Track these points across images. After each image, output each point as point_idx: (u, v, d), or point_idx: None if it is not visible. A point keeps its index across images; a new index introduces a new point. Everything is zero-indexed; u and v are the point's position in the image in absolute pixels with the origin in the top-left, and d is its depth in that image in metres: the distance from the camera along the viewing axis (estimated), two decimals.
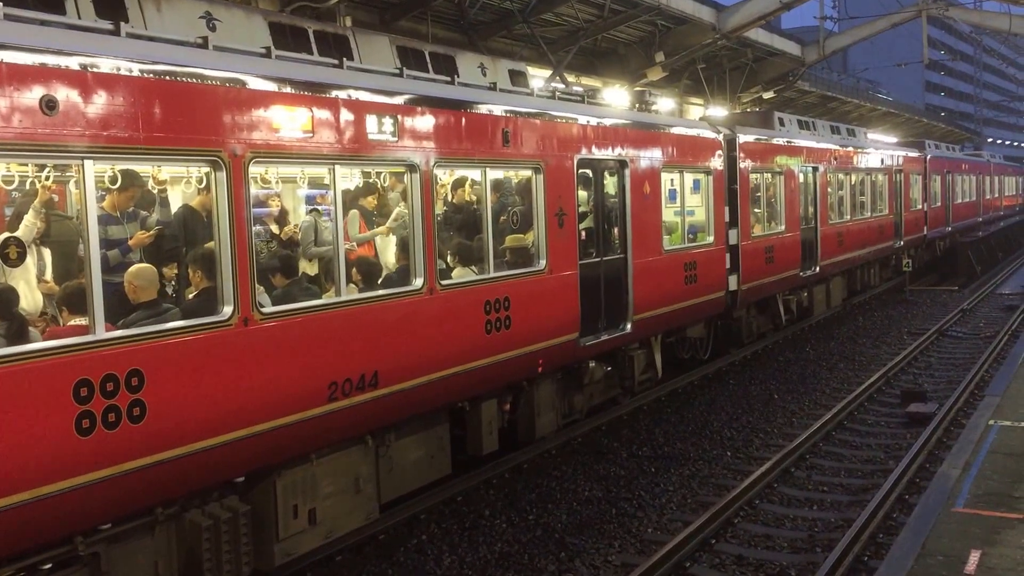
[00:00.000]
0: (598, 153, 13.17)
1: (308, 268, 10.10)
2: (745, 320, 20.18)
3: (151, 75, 7.13)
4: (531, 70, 14.83)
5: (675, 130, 15.91)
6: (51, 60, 6.48)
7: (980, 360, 18.93)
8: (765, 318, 21.51)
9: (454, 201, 11.72)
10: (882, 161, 29.19)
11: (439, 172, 10.56)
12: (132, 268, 7.69)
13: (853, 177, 26.30)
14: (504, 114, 11.17)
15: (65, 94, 6.52)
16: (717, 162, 17.15)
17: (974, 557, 7.69)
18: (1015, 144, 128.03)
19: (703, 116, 24.94)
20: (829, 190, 23.97)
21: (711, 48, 26.21)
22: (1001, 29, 31.85)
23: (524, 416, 12.44)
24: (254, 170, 8.14)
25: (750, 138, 19.10)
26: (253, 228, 8.08)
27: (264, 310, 8.05)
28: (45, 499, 6.33)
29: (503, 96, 11.66)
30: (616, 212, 13.82)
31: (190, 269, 8.16)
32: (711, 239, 16.91)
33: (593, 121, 13.12)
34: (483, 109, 10.88)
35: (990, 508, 8.82)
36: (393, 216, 10.59)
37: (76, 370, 6.50)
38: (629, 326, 13.82)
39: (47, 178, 7.46)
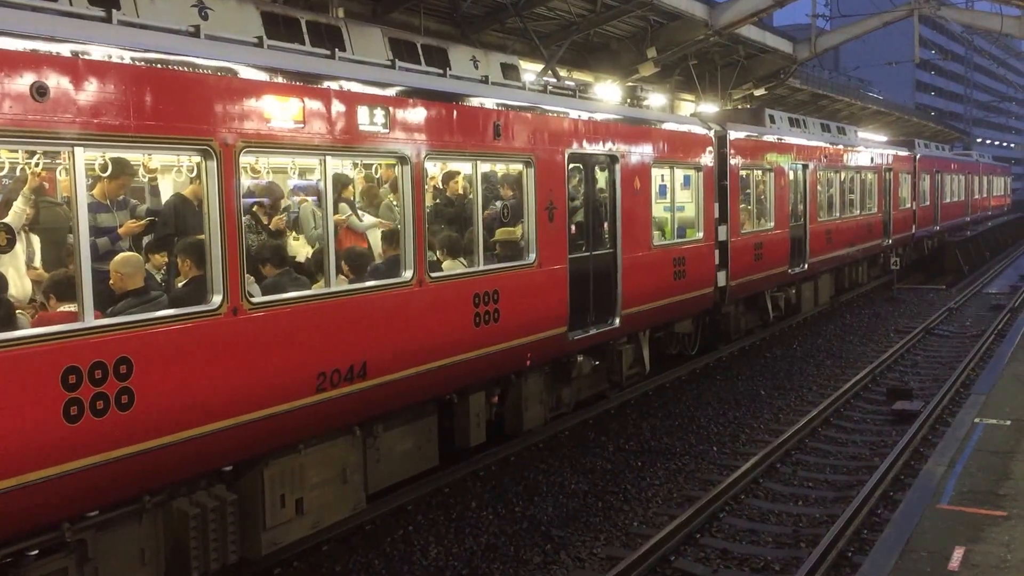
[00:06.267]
0: (589, 147, 13.19)
1: (306, 252, 10.11)
2: (733, 316, 20.23)
3: (142, 63, 7.11)
4: (523, 64, 14.83)
5: (666, 126, 15.94)
6: (42, 47, 6.46)
7: (966, 358, 19.02)
8: (753, 314, 21.56)
9: (445, 194, 11.72)
10: (872, 160, 29.27)
11: (430, 165, 10.56)
12: (117, 257, 7.67)
13: (843, 175, 26.38)
14: (496, 107, 11.17)
15: (56, 81, 6.50)
16: (707, 158, 17.18)
17: (958, 554, 7.74)
18: (1004, 145, 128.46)
19: (694, 112, 25.00)
20: (819, 188, 24.05)
21: (703, 44, 26.20)
22: (992, 29, 31.89)
23: (512, 409, 12.47)
24: (245, 160, 8.12)
25: (741, 135, 19.14)
26: (243, 218, 8.08)
27: (253, 300, 8.06)
28: (32, 485, 6.32)
29: (495, 89, 11.65)
30: (606, 207, 13.84)
31: (179, 258, 8.15)
32: (700, 235, 16.94)
33: (584, 116, 13.13)
34: (475, 102, 10.87)
35: (975, 505, 8.87)
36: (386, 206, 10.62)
37: (64, 357, 6.49)
38: (618, 321, 13.86)
39: (37, 165, 7.46)
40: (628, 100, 16.17)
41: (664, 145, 15.47)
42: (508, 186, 12.25)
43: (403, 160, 9.76)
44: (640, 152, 14.60)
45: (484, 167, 11.54)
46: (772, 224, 20.86)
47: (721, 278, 18.01)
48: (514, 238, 11.96)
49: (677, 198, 16.46)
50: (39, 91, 6.39)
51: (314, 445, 9.05)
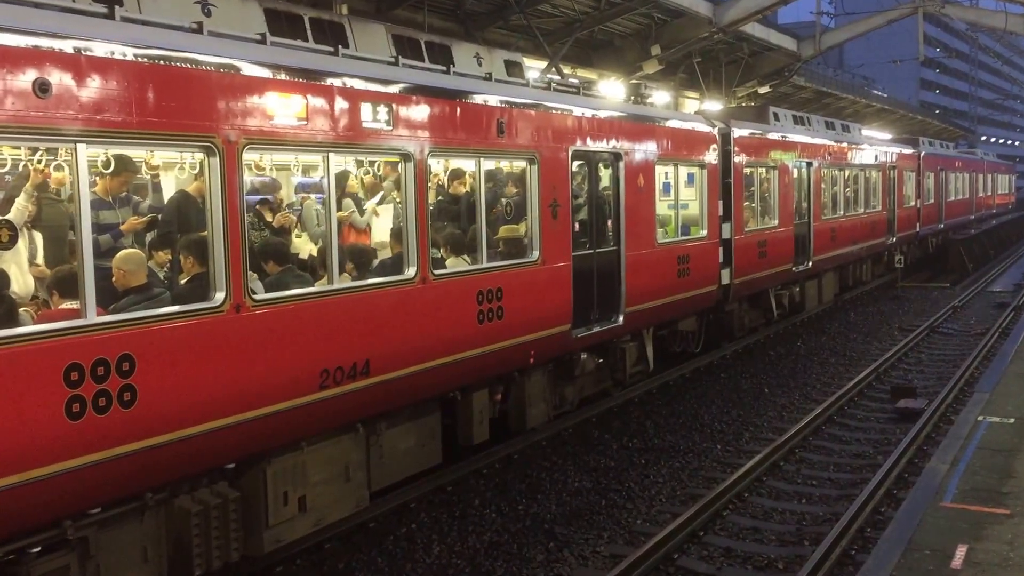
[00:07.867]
0: (593, 145, 13.16)
1: (309, 250, 10.09)
2: (737, 314, 20.21)
3: (145, 59, 7.10)
4: (527, 61, 14.83)
5: (670, 123, 15.92)
6: (45, 43, 6.45)
7: (970, 357, 18.97)
8: (757, 312, 21.53)
9: (449, 191, 11.71)
10: (876, 157, 29.23)
11: (433, 162, 10.55)
12: (120, 254, 7.65)
13: (847, 173, 26.33)
14: (499, 104, 11.15)
15: (58, 77, 6.49)
16: (711, 156, 17.16)
17: (961, 552, 7.72)
18: (1009, 143, 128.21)
19: (698, 110, 24.98)
20: (823, 186, 24.00)
21: (707, 42, 26.18)
22: (997, 27, 31.87)
23: (515, 407, 12.45)
24: (248, 156, 8.12)
25: (745, 132, 19.10)
26: (246, 215, 8.07)
27: (256, 297, 8.04)
28: (34, 483, 6.32)
29: (498, 86, 11.64)
30: (610, 204, 13.82)
31: (182, 255, 8.14)
32: (704, 233, 16.93)
33: (588, 113, 13.11)
34: (478, 99, 10.86)
35: (978, 503, 8.85)
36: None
37: (67, 354, 6.48)
38: (621, 318, 13.84)
39: (40, 161, 7.45)
40: (632, 97, 16.16)
41: (668, 143, 15.44)
42: (512, 183, 12.24)
43: (406, 157, 9.75)
44: (644, 149, 14.57)
45: (488, 164, 11.53)
46: (776, 222, 20.83)
47: (725, 276, 17.98)
48: (518, 235, 11.94)
49: (681, 196, 16.44)
50: (42, 87, 6.38)
51: (317, 442, 9.04)
